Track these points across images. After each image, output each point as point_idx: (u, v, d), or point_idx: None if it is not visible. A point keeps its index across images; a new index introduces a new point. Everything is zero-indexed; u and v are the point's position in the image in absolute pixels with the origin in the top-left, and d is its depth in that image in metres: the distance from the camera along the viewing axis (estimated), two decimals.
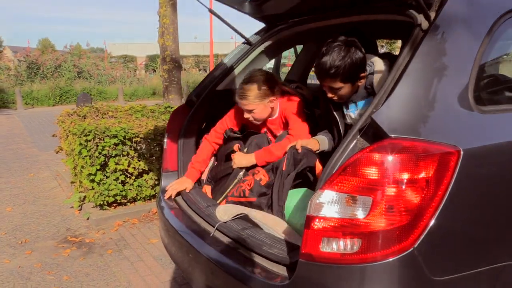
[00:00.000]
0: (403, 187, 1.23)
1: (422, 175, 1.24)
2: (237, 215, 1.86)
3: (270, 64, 4.84)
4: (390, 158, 1.23)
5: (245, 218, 1.88)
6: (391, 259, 1.22)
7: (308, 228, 1.32)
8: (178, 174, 2.53)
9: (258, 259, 1.64)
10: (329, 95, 1.95)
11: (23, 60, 18.91)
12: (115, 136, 3.96)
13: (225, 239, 1.83)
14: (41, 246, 3.50)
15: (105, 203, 4.03)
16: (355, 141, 1.39)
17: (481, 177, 1.37)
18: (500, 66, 1.80)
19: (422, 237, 1.23)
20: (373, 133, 1.35)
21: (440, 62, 1.43)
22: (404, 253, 1.22)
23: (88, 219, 4.02)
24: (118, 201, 4.13)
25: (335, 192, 1.28)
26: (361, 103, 2.03)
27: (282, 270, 1.53)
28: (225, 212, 1.92)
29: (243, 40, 2.68)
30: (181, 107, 2.69)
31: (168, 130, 2.58)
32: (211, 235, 1.84)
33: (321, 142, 2.15)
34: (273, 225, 1.79)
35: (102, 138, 3.93)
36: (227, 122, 2.53)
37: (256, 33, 2.72)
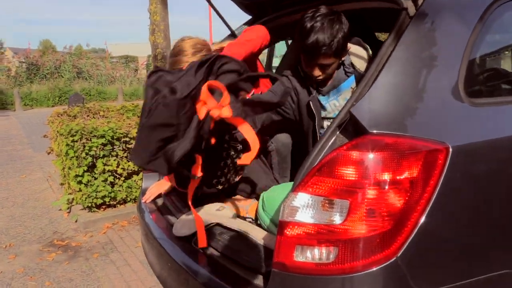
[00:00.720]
0: (385, 189, 1.10)
1: (406, 175, 1.11)
2: (206, 226, 1.69)
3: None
4: (369, 156, 1.10)
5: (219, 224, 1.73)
6: (371, 269, 1.09)
7: (280, 235, 1.19)
8: (159, 174, 2.41)
9: (233, 267, 1.51)
10: (317, 73, 1.81)
11: (23, 61, 18.87)
12: (102, 136, 3.84)
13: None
14: (26, 250, 3.39)
15: (93, 205, 3.92)
16: (334, 138, 1.26)
17: (473, 177, 1.24)
18: (493, 55, 1.66)
19: (406, 244, 1.11)
20: (354, 129, 1.22)
21: (428, 50, 1.30)
22: (386, 263, 1.10)
23: (76, 221, 3.91)
24: (107, 203, 4.01)
25: (309, 195, 1.15)
26: (344, 85, 1.90)
27: (258, 280, 1.40)
28: (183, 225, 1.76)
29: None
30: None
31: None
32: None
33: None
34: (250, 230, 1.66)
35: (89, 138, 3.81)
36: None
37: (243, 25, 2.60)
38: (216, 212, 1.78)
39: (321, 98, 1.98)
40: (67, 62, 19.10)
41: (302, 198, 1.16)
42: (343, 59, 1.83)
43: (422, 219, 1.11)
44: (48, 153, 5.41)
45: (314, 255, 1.13)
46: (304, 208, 1.16)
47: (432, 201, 1.12)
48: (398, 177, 1.10)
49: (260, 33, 2.15)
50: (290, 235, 1.17)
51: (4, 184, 5.26)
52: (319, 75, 1.81)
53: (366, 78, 1.29)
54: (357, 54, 1.89)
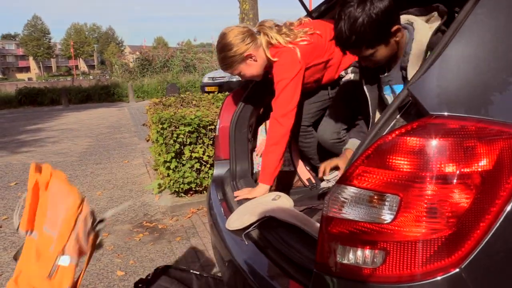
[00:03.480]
0: (448, 184, 0.89)
1: (476, 168, 0.88)
2: (258, 220, 1.58)
3: None
4: (428, 144, 0.90)
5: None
6: (425, 281, 0.90)
7: (323, 232, 1.04)
8: (230, 162, 2.37)
9: (284, 263, 1.39)
10: (363, 63, 1.59)
11: (138, 57, 20.68)
12: (189, 124, 3.96)
13: (258, 239, 1.62)
14: (118, 229, 3.64)
15: (181, 190, 4.07)
16: (393, 122, 1.07)
17: None
18: None
19: (474, 253, 0.89)
20: (416, 112, 1.02)
21: None
22: (446, 275, 0.89)
23: (165, 205, 4.10)
24: (194, 189, 4.14)
25: (355, 187, 0.98)
26: (397, 88, 1.62)
27: (306, 279, 1.27)
28: (237, 217, 1.67)
29: None
30: (235, 91, 2.52)
31: (221, 116, 2.44)
32: (246, 243, 1.60)
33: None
34: (306, 223, 1.52)
35: (177, 126, 3.95)
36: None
37: (321, 4, 2.43)
38: (272, 202, 1.68)
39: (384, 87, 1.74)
40: (176, 57, 20.44)
41: (347, 191, 1.00)
42: (396, 40, 1.50)
43: (497, 224, 0.88)
44: (147, 140, 5.80)
45: (357, 257, 0.97)
46: (348, 202, 0.99)
47: None
48: (465, 170, 0.88)
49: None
50: (333, 232, 1.01)
51: (109, 168, 5.76)
52: (368, 64, 1.57)
53: (436, 49, 1.07)
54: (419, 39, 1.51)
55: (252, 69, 2.10)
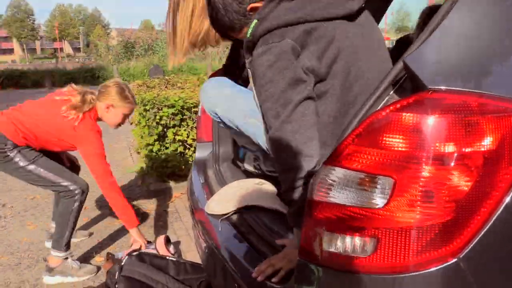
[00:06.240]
0: (447, 165, 0.80)
1: (478, 147, 0.80)
2: (241, 207, 1.49)
3: None
4: (426, 121, 0.81)
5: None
6: (421, 272, 0.81)
7: (308, 217, 0.95)
8: (213, 145, 2.27)
9: (267, 249, 1.31)
10: None
11: (122, 41, 20.29)
12: (173, 106, 3.83)
13: (239, 224, 1.53)
14: (98, 214, 3.53)
15: (164, 174, 3.96)
16: (386, 98, 0.97)
17: None
18: None
19: (473, 242, 0.80)
20: (412, 86, 0.92)
21: None
22: (443, 265, 0.81)
23: (147, 189, 4.00)
24: (177, 173, 4.03)
25: (344, 169, 0.89)
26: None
27: None
28: (219, 201, 1.57)
29: None
30: (218, 71, 2.40)
31: None
32: (219, 229, 1.52)
33: None
34: None
35: (160, 108, 3.82)
36: None
37: None
38: (255, 186, 1.58)
39: None
40: (161, 39, 20.03)
41: (335, 173, 0.90)
42: None
43: (499, 211, 0.80)
44: (131, 123, 5.64)
45: (346, 245, 0.88)
46: (336, 185, 0.90)
47: None
48: (465, 150, 0.79)
49: None
50: (318, 218, 0.92)
51: None
52: None
53: (436, 18, 0.97)
54: None
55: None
